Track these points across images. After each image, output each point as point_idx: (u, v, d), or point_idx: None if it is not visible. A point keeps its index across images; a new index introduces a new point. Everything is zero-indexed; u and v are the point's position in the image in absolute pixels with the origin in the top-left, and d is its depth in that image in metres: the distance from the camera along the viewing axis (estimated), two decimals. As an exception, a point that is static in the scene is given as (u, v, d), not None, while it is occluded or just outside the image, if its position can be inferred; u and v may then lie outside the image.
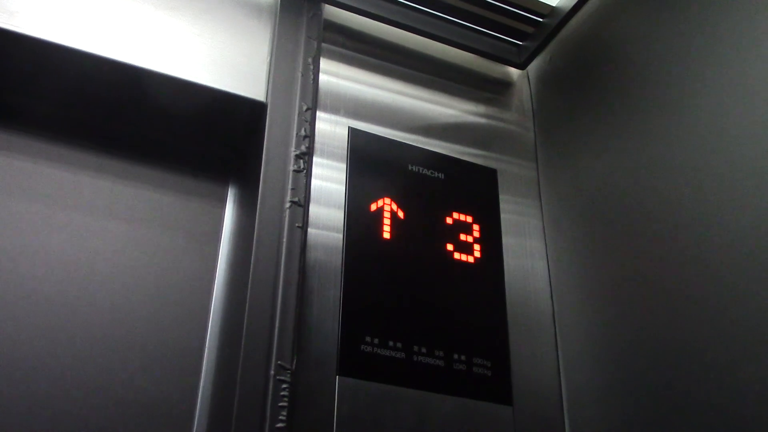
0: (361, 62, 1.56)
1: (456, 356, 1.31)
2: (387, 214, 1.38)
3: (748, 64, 1.14)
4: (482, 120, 1.63)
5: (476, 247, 1.43)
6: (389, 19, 1.58)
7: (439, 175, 1.48)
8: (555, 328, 1.44)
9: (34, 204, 1.29)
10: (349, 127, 1.45)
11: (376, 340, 1.26)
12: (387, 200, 1.39)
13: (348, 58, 1.55)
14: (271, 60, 1.40)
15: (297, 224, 1.26)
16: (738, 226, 1.10)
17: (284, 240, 1.23)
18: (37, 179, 1.31)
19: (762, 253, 1.05)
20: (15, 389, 1.15)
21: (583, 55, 1.57)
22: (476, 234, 1.45)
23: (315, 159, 1.37)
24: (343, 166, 1.40)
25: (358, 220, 1.35)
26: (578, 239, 1.45)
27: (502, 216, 1.51)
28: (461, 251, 1.41)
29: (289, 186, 1.28)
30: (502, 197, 1.53)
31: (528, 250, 1.51)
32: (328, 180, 1.38)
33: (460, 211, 1.45)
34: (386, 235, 1.36)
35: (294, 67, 1.40)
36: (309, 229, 1.29)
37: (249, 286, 1.17)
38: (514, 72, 1.75)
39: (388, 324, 1.28)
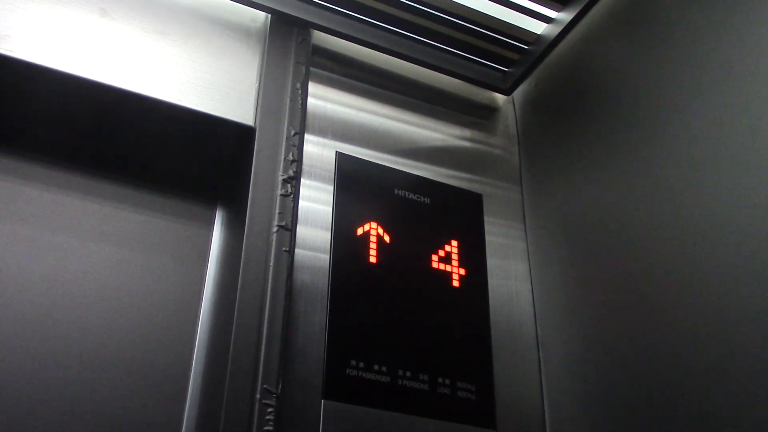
0: (349, 87, 1.58)
1: (440, 380, 1.32)
2: (373, 239, 1.39)
3: (730, 91, 1.17)
4: (468, 144, 1.66)
5: (461, 271, 1.45)
6: (377, 45, 1.61)
7: (425, 199, 1.50)
8: (539, 351, 1.46)
9: (21, 225, 1.30)
10: (336, 151, 1.46)
11: (361, 364, 1.27)
12: (373, 224, 1.41)
13: (336, 83, 1.56)
14: (259, 85, 1.41)
15: (284, 248, 1.27)
16: (721, 249, 1.12)
17: (271, 264, 1.24)
18: (25, 201, 1.32)
19: (746, 275, 1.06)
20: (2, 408, 1.15)
21: (567, 81, 1.60)
22: (461, 258, 1.46)
23: (303, 180, 1.38)
24: (331, 188, 1.42)
25: (345, 243, 1.36)
26: (562, 262, 1.46)
27: (487, 239, 1.53)
28: (446, 276, 1.43)
29: (277, 210, 1.29)
30: (487, 220, 1.55)
31: (512, 274, 1.53)
32: (316, 201, 1.39)
33: (445, 236, 1.47)
34: (372, 260, 1.37)
35: (282, 92, 1.42)
36: (296, 250, 1.30)
37: (236, 308, 1.18)
38: (499, 98, 1.78)
39: (374, 348, 1.29)
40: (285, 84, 1.43)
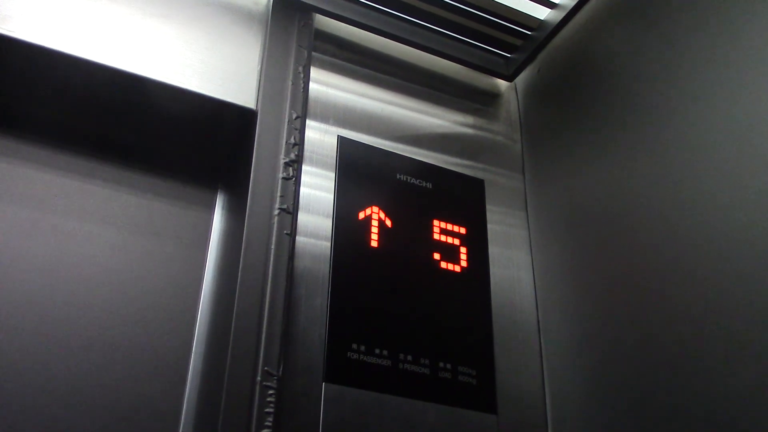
0: (351, 71, 1.57)
1: (441, 364, 1.32)
2: (375, 223, 1.39)
3: (732, 79, 1.16)
4: (470, 131, 1.65)
5: (463, 256, 1.45)
6: (380, 29, 1.60)
7: (427, 184, 1.50)
8: (540, 337, 1.46)
9: (22, 207, 1.29)
10: (338, 135, 1.46)
11: (362, 348, 1.26)
12: (375, 209, 1.40)
13: (338, 67, 1.56)
14: (261, 68, 1.41)
15: (285, 231, 1.27)
16: (723, 237, 1.11)
17: (272, 247, 1.24)
18: (27, 183, 1.31)
19: (747, 263, 1.06)
20: (2, 392, 1.15)
21: (570, 68, 1.59)
22: (463, 244, 1.46)
23: (304, 167, 1.38)
24: (332, 174, 1.41)
25: (346, 228, 1.36)
26: (564, 250, 1.46)
27: (489, 226, 1.52)
28: (448, 260, 1.43)
29: (278, 193, 1.29)
30: (489, 207, 1.55)
31: (514, 261, 1.52)
32: (317, 188, 1.39)
33: (447, 221, 1.47)
34: (374, 244, 1.37)
35: (284, 75, 1.41)
36: (297, 237, 1.30)
37: (237, 292, 1.18)
38: (502, 84, 1.77)
39: (375, 331, 1.29)
40: (287, 67, 1.42)
